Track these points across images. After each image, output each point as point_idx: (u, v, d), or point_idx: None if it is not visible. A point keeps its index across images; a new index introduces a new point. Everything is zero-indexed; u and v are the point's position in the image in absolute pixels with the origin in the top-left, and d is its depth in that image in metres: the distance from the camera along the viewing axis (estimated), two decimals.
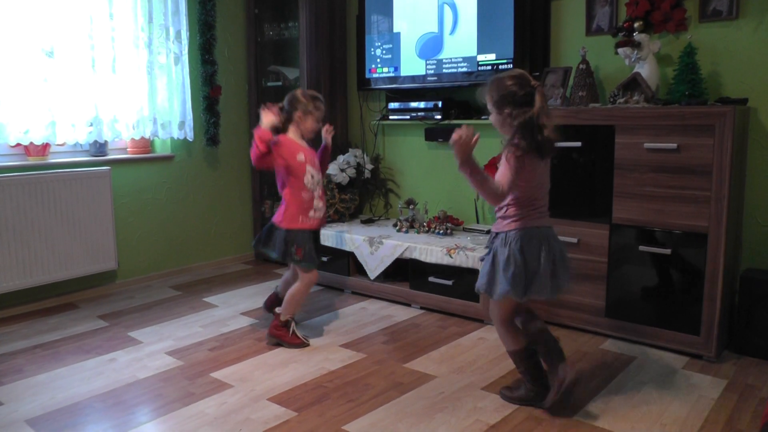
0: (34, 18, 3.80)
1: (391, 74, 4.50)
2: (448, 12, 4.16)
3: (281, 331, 3.35)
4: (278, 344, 3.35)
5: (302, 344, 3.34)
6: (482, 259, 2.62)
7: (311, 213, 3.32)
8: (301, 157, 3.28)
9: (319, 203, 3.36)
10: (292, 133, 3.34)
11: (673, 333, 3.15)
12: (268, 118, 3.27)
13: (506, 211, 2.51)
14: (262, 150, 3.21)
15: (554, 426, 2.49)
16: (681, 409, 2.61)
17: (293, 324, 3.36)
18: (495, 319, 2.66)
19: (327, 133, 3.52)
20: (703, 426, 2.48)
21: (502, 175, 2.39)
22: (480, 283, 2.57)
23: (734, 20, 3.30)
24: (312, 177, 3.32)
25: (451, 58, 4.17)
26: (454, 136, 2.26)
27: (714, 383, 2.85)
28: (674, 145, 3.03)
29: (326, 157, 3.55)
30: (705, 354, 3.08)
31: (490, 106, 2.48)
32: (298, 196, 3.29)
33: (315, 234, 3.44)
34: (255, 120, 5.05)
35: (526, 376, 2.65)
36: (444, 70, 4.20)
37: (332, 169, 4.62)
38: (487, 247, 2.61)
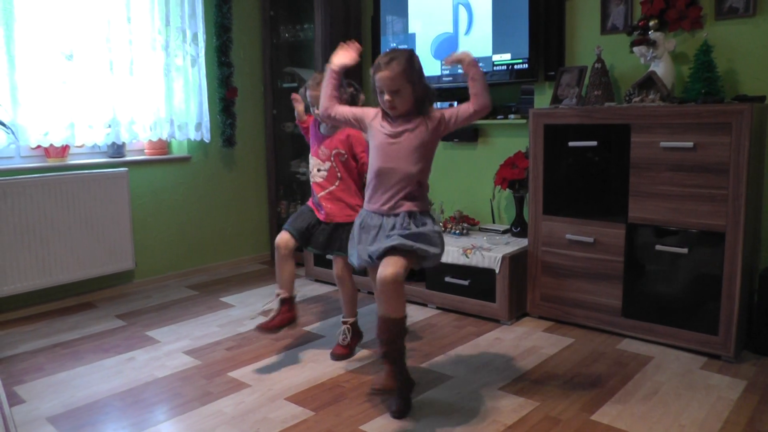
0: (54, 22, 3.85)
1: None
2: (463, 12, 4.16)
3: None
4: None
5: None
6: (426, 233, 2.50)
7: (314, 200, 3.19)
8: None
9: (315, 195, 3.18)
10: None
11: (691, 333, 3.14)
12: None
13: (425, 188, 2.60)
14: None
15: (571, 426, 2.48)
16: (700, 410, 2.60)
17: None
18: (403, 278, 2.44)
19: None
20: (723, 427, 2.46)
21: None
22: (435, 250, 2.51)
23: (751, 17, 3.27)
24: (309, 165, 3.23)
25: None
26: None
27: (733, 384, 2.83)
28: (690, 144, 3.02)
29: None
30: (723, 354, 3.06)
31: (403, 82, 2.45)
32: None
33: (328, 227, 3.14)
34: (271, 121, 5.09)
35: (400, 357, 2.55)
36: (459, 71, 4.20)
37: None
38: (417, 223, 2.52)
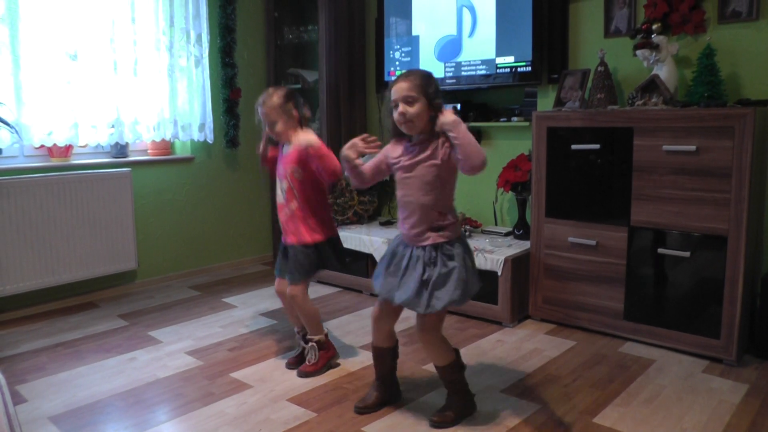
0: (59, 22, 3.86)
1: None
2: (466, 14, 4.17)
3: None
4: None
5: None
6: (442, 274, 2.39)
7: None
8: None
9: (279, 214, 3.06)
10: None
11: (693, 336, 3.14)
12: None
13: (450, 216, 2.51)
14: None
15: (573, 429, 2.48)
16: (701, 413, 2.60)
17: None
18: (437, 331, 2.47)
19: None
20: (725, 431, 2.46)
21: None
22: (456, 295, 2.36)
23: (754, 21, 3.27)
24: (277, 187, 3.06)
25: (469, 61, 4.17)
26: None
27: (735, 388, 2.83)
28: (693, 147, 3.02)
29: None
30: (725, 358, 3.06)
31: (419, 94, 2.35)
32: (325, 202, 3.09)
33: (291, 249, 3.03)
34: None
35: (461, 387, 2.59)
36: (463, 73, 4.21)
37: None
38: (444, 257, 2.41)
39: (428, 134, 2.41)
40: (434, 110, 2.37)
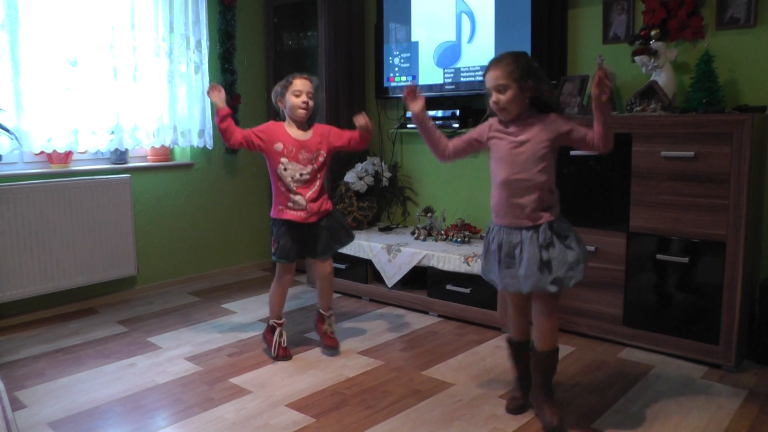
0: (59, 28, 3.87)
1: (409, 83, 4.52)
2: (465, 21, 4.18)
3: (270, 337, 3.36)
4: (266, 351, 3.36)
5: (284, 357, 3.28)
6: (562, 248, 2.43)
7: (289, 204, 3.20)
8: (278, 146, 3.18)
9: (296, 197, 3.19)
10: (287, 124, 3.26)
11: (692, 342, 3.14)
12: (214, 96, 3.15)
13: (556, 193, 2.52)
14: (219, 125, 3.12)
15: None
16: (700, 419, 2.60)
17: (278, 330, 3.33)
18: (558, 313, 2.57)
19: (360, 118, 3.26)
20: None
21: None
22: (581, 272, 2.43)
23: (752, 27, 3.29)
24: (285, 170, 3.18)
25: (468, 67, 4.18)
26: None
27: (734, 393, 2.83)
28: (692, 154, 3.03)
29: (355, 143, 3.33)
30: (724, 363, 3.06)
31: (509, 81, 2.36)
32: (274, 184, 3.25)
33: (306, 228, 3.26)
34: None
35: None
36: (462, 79, 4.22)
37: (350, 177, 4.64)
38: (560, 237, 2.44)
39: (530, 112, 2.44)
40: (530, 92, 2.39)
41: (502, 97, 2.38)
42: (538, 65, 2.45)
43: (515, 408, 2.66)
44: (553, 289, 2.39)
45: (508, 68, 2.36)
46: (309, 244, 3.29)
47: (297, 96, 3.18)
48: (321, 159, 3.24)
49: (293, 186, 3.18)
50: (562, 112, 2.49)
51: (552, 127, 2.42)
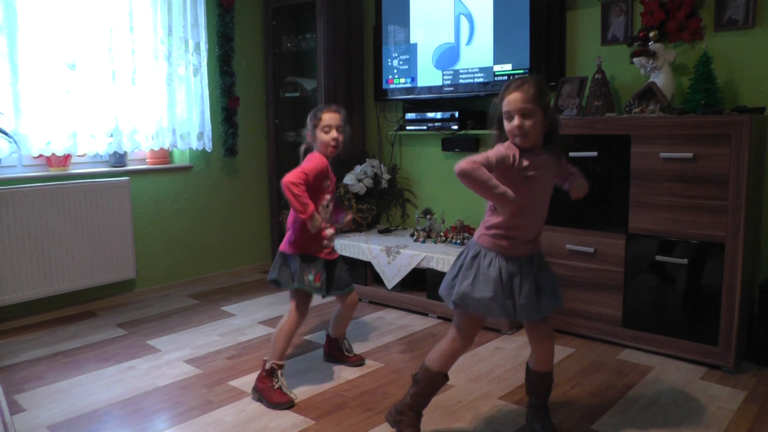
0: (57, 31, 3.87)
1: (408, 85, 4.53)
2: (464, 23, 4.18)
3: (264, 383, 2.83)
4: (260, 400, 2.83)
5: (287, 403, 2.77)
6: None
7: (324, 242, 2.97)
8: (326, 183, 2.99)
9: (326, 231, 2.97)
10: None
11: (691, 343, 3.14)
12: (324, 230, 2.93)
13: None
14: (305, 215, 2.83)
15: None
16: (699, 420, 2.60)
17: (279, 373, 2.86)
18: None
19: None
20: None
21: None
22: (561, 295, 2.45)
23: (750, 29, 3.29)
24: (327, 206, 3.01)
25: (467, 69, 4.18)
26: None
27: (733, 394, 2.83)
28: (690, 155, 3.03)
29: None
30: (723, 364, 3.06)
31: (536, 106, 2.22)
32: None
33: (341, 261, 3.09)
34: (273, 130, 5.11)
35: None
36: (461, 81, 4.22)
37: (349, 179, 4.64)
38: (544, 263, 2.41)
39: (541, 147, 2.31)
40: (549, 122, 2.28)
41: (527, 123, 2.21)
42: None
43: None
44: (554, 306, 2.35)
45: (533, 91, 2.21)
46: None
47: (326, 132, 2.93)
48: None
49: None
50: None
51: (555, 160, 2.36)
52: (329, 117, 2.96)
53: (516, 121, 2.22)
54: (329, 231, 2.94)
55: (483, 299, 2.30)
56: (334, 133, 2.94)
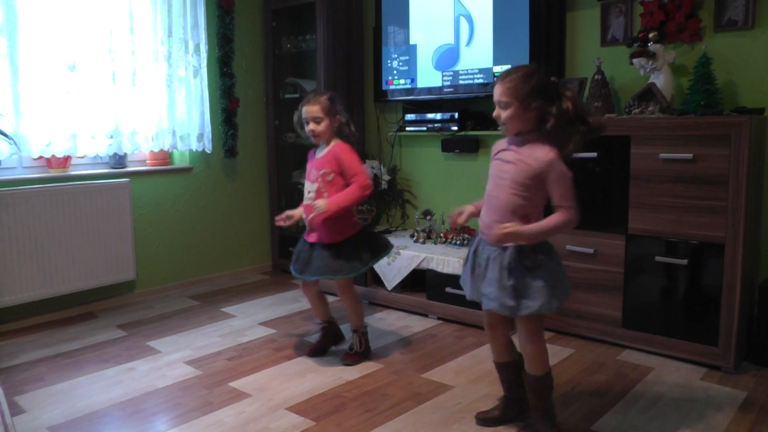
0: (57, 33, 3.87)
1: (408, 86, 4.53)
2: (464, 24, 4.18)
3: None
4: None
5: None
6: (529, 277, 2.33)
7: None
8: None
9: (305, 218, 3.21)
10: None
11: (691, 344, 3.14)
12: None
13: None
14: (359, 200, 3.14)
15: None
16: (699, 421, 2.60)
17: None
18: (540, 336, 2.41)
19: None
20: None
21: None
22: (543, 303, 2.30)
23: (750, 30, 3.29)
24: (303, 186, 3.25)
25: (467, 70, 4.19)
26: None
27: (733, 395, 2.83)
28: (690, 156, 3.03)
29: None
30: (723, 365, 3.07)
31: (508, 99, 2.26)
32: None
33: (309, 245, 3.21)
34: (273, 132, 5.12)
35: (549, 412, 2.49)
36: (460, 82, 4.22)
37: None
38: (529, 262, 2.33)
39: (539, 134, 2.29)
40: (536, 111, 2.26)
41: (503, 114, 2.29)
42: (557, 84, 2.28)
43: (483, 419, 2.60)
44: (506, 313, 2.34)
45: (513, 84, 2.25)
46: (303, 261, 3.21)
47: (306, 124, 3.15)
48: (328, 178, 3.13)
49: (304, 202, 3.21)
50: (569, 152, 2.29)
51: (540, 166, 2.26)
52: (305, 110, 3.15)
53: (495, 111, 2.34)
54: (298, 212, 3.24)
55: (462, 279, 2.54)
56: (309, 126, 3.14)
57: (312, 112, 3.11)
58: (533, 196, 2.31)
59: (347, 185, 3.11)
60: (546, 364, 2.42)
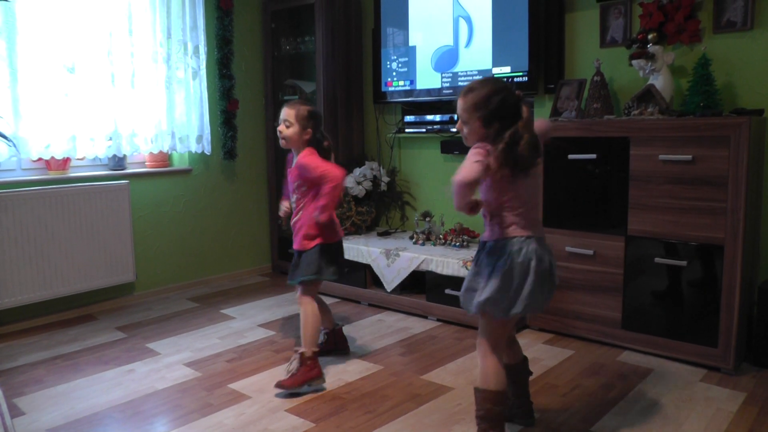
0: (56, 35, 3.87)
1: (407, 87, 4.53)
2: (463, 25, 4.19)
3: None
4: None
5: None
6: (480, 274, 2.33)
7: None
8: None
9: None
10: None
11: (691, 345, 3.14)
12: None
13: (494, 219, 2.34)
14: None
15: None
16: (699, 422, 2.60)
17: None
18: (482, 347, 2.36)
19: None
20: None
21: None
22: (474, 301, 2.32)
23: (748, 31, 3.29)
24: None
25: (466, 71, 4.19)
26: None
27: (732, 396, 2.83)
28: (689, 157, 3.03)
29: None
30: (723, 366, 3.07)
31: (468, 116, 2.25)
32: None
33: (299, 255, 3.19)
34: (272, 133, 5.12)
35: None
36: (459, 83, 4.22)
37: (349, 181, 4.65)
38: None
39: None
40: (495, 129, 2.21)
41: (464, 129, 2.30)
42: (515, 102, 2.23)
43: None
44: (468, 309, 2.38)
45: (471, 101, 2.24)
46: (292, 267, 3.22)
47: (278, 125, 3.15)
48: (302, 189, 3.11)
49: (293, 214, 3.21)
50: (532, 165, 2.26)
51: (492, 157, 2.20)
52: (282, 110, 3.14)
53: (458, 123, 2.34)
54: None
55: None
56: (279, 127, 3.13)
57: (285, 115, 3.10)
58: (490, 190, 2.30)
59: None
60: (490, 380, 2.32)
